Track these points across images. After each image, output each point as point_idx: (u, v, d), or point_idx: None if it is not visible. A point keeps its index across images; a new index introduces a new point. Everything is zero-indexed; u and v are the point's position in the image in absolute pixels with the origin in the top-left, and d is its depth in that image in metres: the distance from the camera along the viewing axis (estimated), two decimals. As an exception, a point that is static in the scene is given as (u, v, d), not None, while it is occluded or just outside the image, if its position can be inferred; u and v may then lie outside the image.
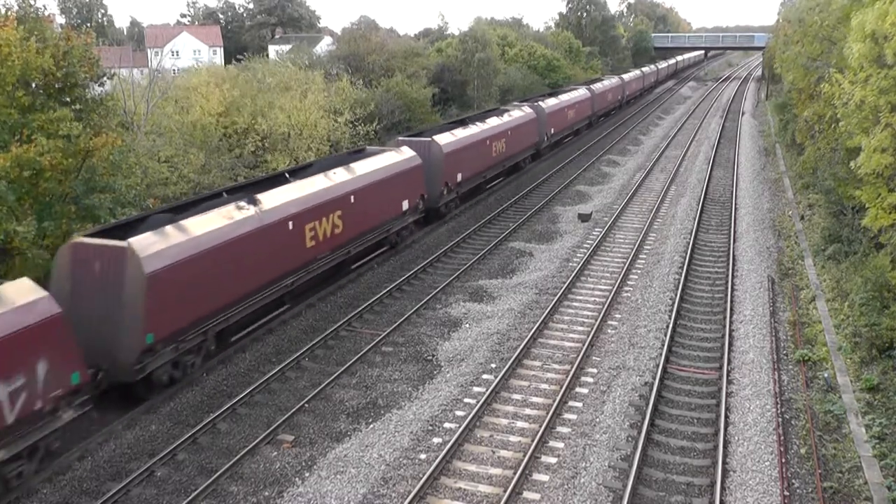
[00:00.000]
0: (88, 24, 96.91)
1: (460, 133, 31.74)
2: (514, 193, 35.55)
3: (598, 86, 60.23)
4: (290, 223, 19.72)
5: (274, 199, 19.47)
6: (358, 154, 26.41)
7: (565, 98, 49.65)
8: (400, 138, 29.59)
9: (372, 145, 30.79)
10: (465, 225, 30.15)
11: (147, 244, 15.51)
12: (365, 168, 23.98)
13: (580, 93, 53.54)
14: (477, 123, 34.29)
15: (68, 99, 19.37)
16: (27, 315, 12.76)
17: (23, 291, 13.04)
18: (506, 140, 36.30)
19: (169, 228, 16.45)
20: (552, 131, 45.24)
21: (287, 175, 22.20)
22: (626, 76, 74.76)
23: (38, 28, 18.83)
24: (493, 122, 35.54)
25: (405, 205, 26.25)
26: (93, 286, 15.10)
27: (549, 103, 45.53)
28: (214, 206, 18.38)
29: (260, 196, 19.22)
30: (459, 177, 31.01)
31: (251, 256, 18.17)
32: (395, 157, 26.11)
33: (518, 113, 39.43)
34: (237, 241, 17.68)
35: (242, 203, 18.61)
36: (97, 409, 14.62)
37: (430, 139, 29.41)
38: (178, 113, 31.19)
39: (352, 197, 22.49)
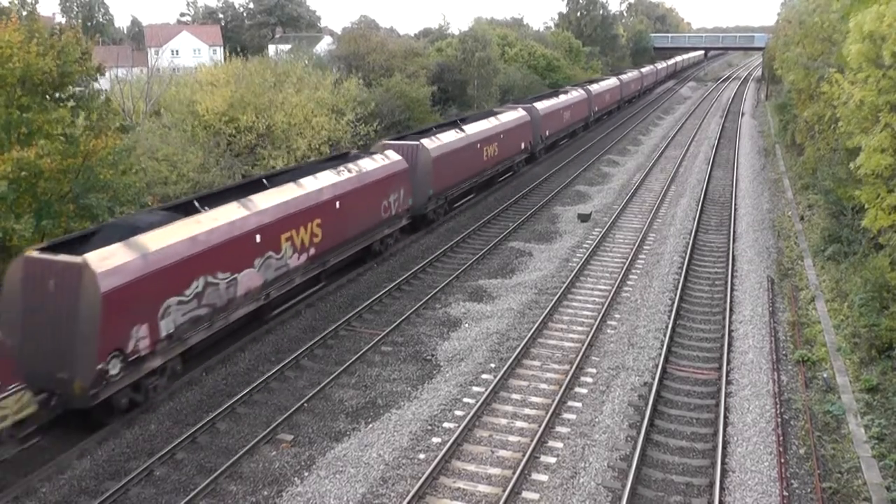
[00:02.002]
0: (90, 24, 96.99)
1: (546, 102, 45.98)
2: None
3: (624, 77, 74.57)
4: (478, 144, 33.42)
5: (470, 129, 33.07)
6: (492, 112, 39.05)
7: (604, 84, 63.95)
8: (509, 104, 44.47)
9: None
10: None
11: (428, 143, 28.75)
12: (504, 118, 37.54)
13: (612, 81, 68.10)
14: (552, 98, 48.55)
15: (59, 95, 19.33)
16: (397, 166, 25.96)
17: (394, 155, 26.26)
18: (570, 111, 50.65)
19: (433, 137, 29.75)
20: (596, 108, 59.49)
21: (458, 121, 34.49)
22: (643, 69, 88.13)
23: (35, 28, 18.77)
24: (562, 97, 49.68)
25: (522, 146, 40.25)
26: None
27: (594, 88, 59.55)
28: (439, 132, 31.17)
29: (464, 126, 32.85)
30: (547, 132, 45.21)
31: (463, 159, 31.47)
32: (516, 114, 39.57)
33: (576, 93, 53.28)
34: (460, 149, 31.19)
35: (456, 130, 32.00)
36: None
37: (531, 104, 43.22)
38: (183, 111, 31.10)
39: (502, 134, 36.31)
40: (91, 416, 14.62)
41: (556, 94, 50.75)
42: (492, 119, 36.30)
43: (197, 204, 17.94)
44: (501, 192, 36.42)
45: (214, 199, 18.61)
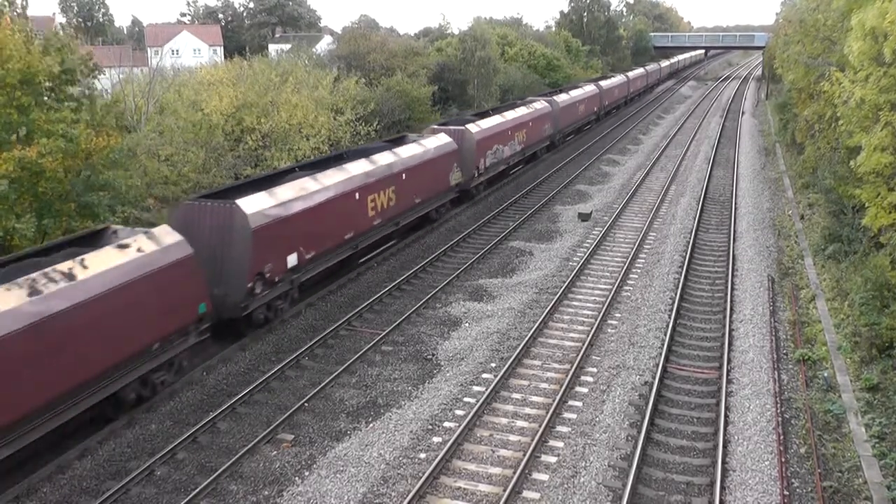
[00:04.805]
0: (89, 24, 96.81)
1: (606, 82, 64.55)
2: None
3: (648, 67, 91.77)
4: (576, 104, 51.65)
5: (573, 94, 51.92)
6: (578, 85, 58.71)
7: (636, 72, 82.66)
8: (584, 80, 65.82)
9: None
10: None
11: (558, 98, 47.68)
12: (586, 90, 56.05)
13: (641, 71, 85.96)
14: (607, 79, 67.13)
15: (60, 95, 19.35)
16: (545, 110, 43.61)
17: (543, 103, 44.20)
18: (617, 89, 68.55)
19: (556, 96, 47.98)
20: (631, 90, 76.97)
21: (560, 89, 53.53)
22: (662, 63, 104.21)
23: (30, 29, 18.75)
24: (612, 80, 67.88)
25: (595, 108, 58.49)
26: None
27: (631, 74, 77.73)
28: (553, 94, 48.76)
29: (570, 92, 51.54)
30: (606, 102, 63.18)
31: (570, 112, 49.97)
32: (592, 87, 58.21)
33: (620, 77, 72.12)
34: (570, 105, 49.74)
35: (565, 93, 50.32)
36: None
37: (598, 82, 61.55)
38: (188, 111, 31.11)
39: (586, 100, 54.85)
40: (463, 198, 32.51)
41: (606, 77, 69.55)
42: (578, 90, 54.62)
43: (471, 116, 37.05)
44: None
45: (479, 115, 36.90)
